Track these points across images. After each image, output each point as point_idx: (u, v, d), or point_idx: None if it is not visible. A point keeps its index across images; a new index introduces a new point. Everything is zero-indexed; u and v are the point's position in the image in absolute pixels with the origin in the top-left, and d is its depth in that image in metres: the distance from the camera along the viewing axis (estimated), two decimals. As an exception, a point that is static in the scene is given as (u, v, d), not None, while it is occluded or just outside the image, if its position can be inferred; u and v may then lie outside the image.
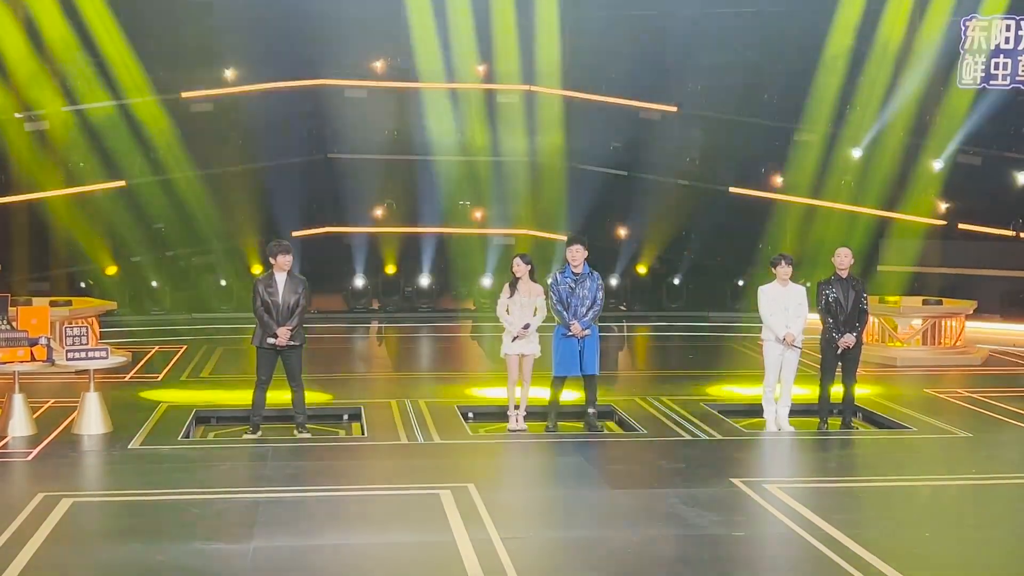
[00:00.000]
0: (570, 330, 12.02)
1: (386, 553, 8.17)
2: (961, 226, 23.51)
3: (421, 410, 12.94)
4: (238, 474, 10.22)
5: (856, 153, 23.42)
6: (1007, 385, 15.13)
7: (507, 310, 12.26)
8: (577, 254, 12.10)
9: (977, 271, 22.70)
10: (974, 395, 14.26)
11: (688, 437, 11.78)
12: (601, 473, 10.56)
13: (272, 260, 11.77)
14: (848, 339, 12.20)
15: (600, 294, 12.13)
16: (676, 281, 24.14)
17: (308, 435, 11.87)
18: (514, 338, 12.21)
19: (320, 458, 10.80)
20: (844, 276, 12.33)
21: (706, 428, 12.17)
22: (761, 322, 12.29)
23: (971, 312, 17.95)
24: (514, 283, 12.22)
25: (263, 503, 9.24)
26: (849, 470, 10.82)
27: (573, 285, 12.05)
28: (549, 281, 12.26)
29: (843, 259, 12.34)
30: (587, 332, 12.07)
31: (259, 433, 11.84)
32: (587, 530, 8.75)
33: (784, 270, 12.21)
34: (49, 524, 8.63)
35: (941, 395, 14.33)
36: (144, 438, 11.51)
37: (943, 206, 23.51)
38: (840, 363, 12.35)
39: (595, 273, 12.21)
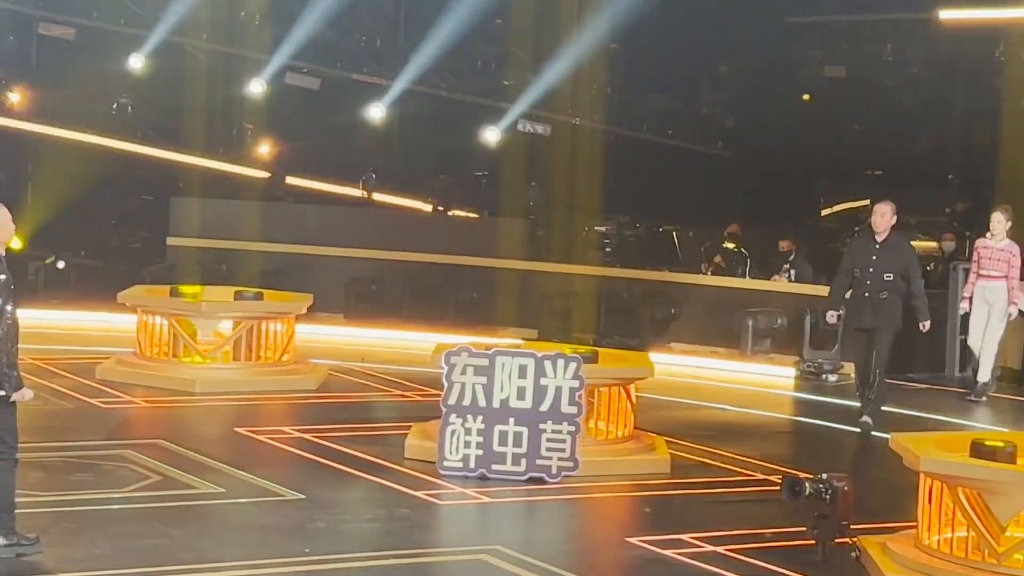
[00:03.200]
0: None
1: None
2: (292, 181, 23.73)
3: None
4: None
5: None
6: (348, 420, 15.51)
7: None
8: None
9: (316, 249, 23.17)
10: (307, 436, 14.52)
11: None
12: None
13: None
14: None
15: None
16: None
17: None
18: None
19: None
20: None
21: None
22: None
23: (305, 311, 18.09)
24: None
25: None
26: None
27: None
28: None
29: None
30: None
31: None
32: None
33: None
34: None
35: (256, 435, 14.38)
36: None
37: (266, 150, 23.67)
38: None
39: None
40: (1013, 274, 17.69)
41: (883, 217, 15.39)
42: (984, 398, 17.88)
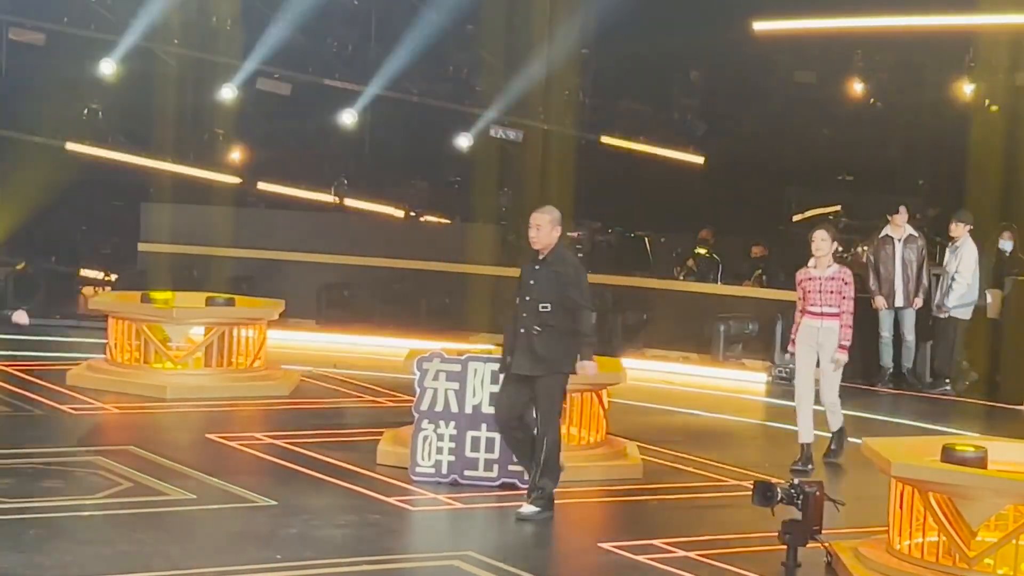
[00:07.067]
0: None
1: None
2: (263, 186, 23.74)
3: None
4: None
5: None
6: (320, 425, 15.50)
7: None
8: None
9: (288, 255, 23.35)
10: (279, 442, 14.47)
11: None
12: None
13: None
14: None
15: None
16: None
17: None
18: None
19: None
20: None
21: None
22: None
23: (277, 316, 18.06)
24: None
25: None
26: None
27: None
28: None
29: None
30: None
31: None
32: None
33: None
34: None
35: (227, 441, 14.24)
36: None
37: (237, 156, 23.67)
38: None
39: None
40: (846, 307, 13.91)
41: (538, 230, 11.81)
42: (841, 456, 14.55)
